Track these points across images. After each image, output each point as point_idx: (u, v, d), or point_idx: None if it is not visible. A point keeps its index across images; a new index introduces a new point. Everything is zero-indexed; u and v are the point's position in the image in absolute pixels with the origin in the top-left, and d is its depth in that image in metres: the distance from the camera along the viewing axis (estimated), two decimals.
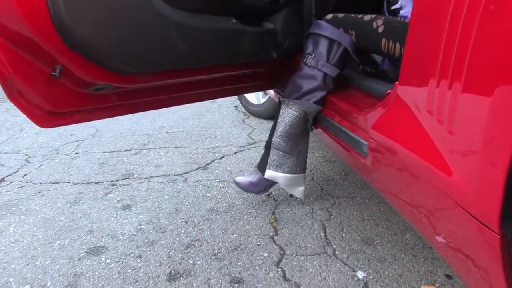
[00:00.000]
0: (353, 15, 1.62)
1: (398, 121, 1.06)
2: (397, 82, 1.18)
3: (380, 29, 1.52)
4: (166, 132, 2.99)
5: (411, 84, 1.03)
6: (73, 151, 2.69)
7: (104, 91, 1.54)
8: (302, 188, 1.83)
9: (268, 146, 1.77)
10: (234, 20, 1.70)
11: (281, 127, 1.70)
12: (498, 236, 0.72)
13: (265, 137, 2.84)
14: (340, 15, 1.65)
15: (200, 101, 1.99)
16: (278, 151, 1.74)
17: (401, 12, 1.62)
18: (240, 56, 1.77)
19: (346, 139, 1.44)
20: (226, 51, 1.70)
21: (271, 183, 1.83)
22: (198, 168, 2.35)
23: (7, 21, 1.21)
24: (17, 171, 2.39)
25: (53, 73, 1.36)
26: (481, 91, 0.74)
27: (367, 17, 1.56)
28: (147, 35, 1.43)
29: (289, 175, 1.77)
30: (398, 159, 1.07)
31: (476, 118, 0.75)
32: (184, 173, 2.28)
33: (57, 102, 1.45)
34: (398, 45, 1.49)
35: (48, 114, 1.46)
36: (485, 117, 0.72)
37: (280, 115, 1.70)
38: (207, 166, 2.38)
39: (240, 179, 1.89)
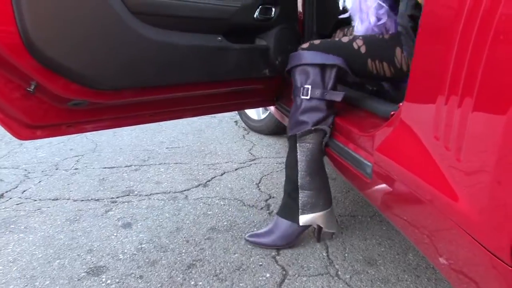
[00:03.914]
0: (329, 39, 1.60)
1: (403, 144, 1.05)
2: (401, 104, 1.18)
3: (363, 50, 1.50)
4: (166, 148, 2.98)
5: (416, 107, 1.02)
6: (72, 166, 2.67)
7: (82, 106, 1.54)
8: (335, 220, 1.74)
9: (292, 191, 1.64)
10: (219, 38, 1.70)
11: (304, 166, 1.59)
12: (510, 268, 0.71)
13: (265, 153, 2.84)
14: (316, 41, 1.59)
15: (193, 116, 2.00)
16: (310, 191, 1.62)
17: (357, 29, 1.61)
18: (226, 73, 1.77)
19: (350, 160, 1.43)
20: (208, 69, 1.70)
21: (304, 228, 1.69)
22: (199, 185, 2.34)
23: None
24: (16, 187, 2.38)
25: (28, 89, 1.36)
26: (493, 117, 0.73)
27: (345, 39, 1.55)
28: (119, 53, 1.44)
29: (326, 211, 1.66)
30: (403, 182, 1.06)
31: (487, 145, 0.74)
32: (185, 190, 2.27)
33: (35, 116, 1.46)
34: (385, 64, 1.48)
35: (26, 127, 1.46)
36: (497, 144, 0.71)
37: (297, 155, 1.59)
38: (207, 183, 2.37)
39: (258, 238, 1.72)
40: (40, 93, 1.41)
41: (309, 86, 1.53)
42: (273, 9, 1.85)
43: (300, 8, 2.14)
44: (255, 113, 3.23)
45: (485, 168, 0.74)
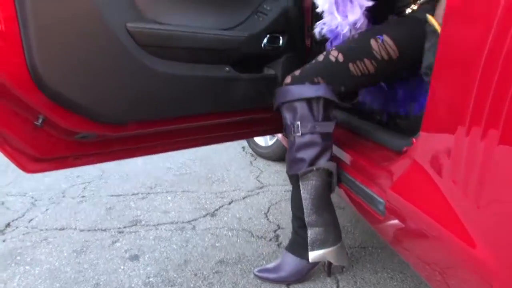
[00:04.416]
0: (308, 64, 1.57)
1: (418, 186, 1.03)
2: (414, 139, 1.16)
3: (340, 58, 1.48)
4: (173, 175, 2.96)
5: (431, 147, 1.00)
6: (79, 194, 2.66)
7: (90, 138, 1.54)
8: (346, 253, 1.71)
9: (299, 228, 1.62)
10: (227, 68, 1.69)
11: (309, 204, 1.55)
12: None
13: (273, 180, 2.81)
14: (297, 72, 1.56)
15: (202, 145, 1.98)
16: (318, 228, 1.58)
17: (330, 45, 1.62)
18: (234, 104, 1.76)
19: (361, 195, 1.41)
20: (217, 100, 1.69)
21: (314, 265, 1.66)
22: (207, 214, 2.32)
23: None
24: (23, 215, 2.36)
25: (36, 123, 1.36)
26: None
27: (321, 57, 1.53)
28: (127, 86, 1.44)
29: (336, 246, 1.62)
30: (418, 224, 1.04)
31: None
32: (192, 220, 2.25)
33: (42, 149, 1.45)
34: (366, 60, 1.46)
35: (33, 160, 1.46)
36: None
37: (301, 193, 1.55)
38: (215, 212, 2.35)
39: (267, 274, 1.69)
40: (47, 126, 1.41)
41: (299, 122, 1.50)
42: (281, 38, 1.84)
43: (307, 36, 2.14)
44: (263, 140, 3.21)
45: (508, 218, 0.72)
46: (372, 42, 1.45)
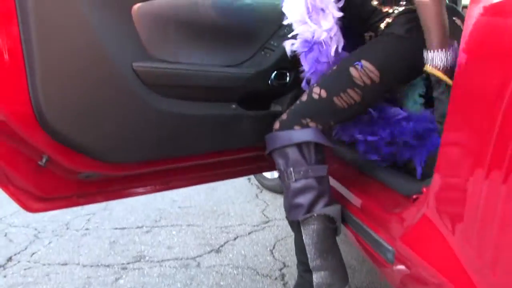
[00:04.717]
0: (293, 106, 1.52)
1: (429, 240, 1.00)
2: (425, 188, 1.13)
3: (323, 94, 1.43)
4: (178, 207, 2.94)
5: (443, 201, 0.98)
6: (83, 226, 2.63)
7: (94, 177, 1.52)
8: None
9: (304, 272, 1.55)
10: (234, 106, 1.68)
11: (312, 248, 1.48)
12: None
13: (279, 214, 2.78)
14: (284, 116, 1.51)
15: (208, 182, 1.96)
16: (324, 272, 1.51)
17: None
18: (241, 141, 1.74)
19: (369, 240, 1.37)
20: (224, 138, 1.67)
21: None
22: (211, 250, 2.28)
23: None
24: (26, 248, 2.34)
25: (39, 162, 1.35)
26: None
27: (304, 96, 1.49)
28: (132, 126, 1.43)
29: None
30: (427, 279, 1.01)
31: None
32: (197, 257, 2.21)
33: (45, 188, 1.44)
34: (349, 91, 1.40)
35: (36, 200, 1.44)
36: None
37: (303, 239, 1.48)
38: (220, 248, 2.31)
39: None
40: (51, 165, 1.40)
41: (291, 168, 1.46)
42: (288, 74, 1.84)
43: None
44: (268, 172, 3.19)
45: None
46: (352, 70, 1.40)
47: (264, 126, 1.76)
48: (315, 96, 1.44)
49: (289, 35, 1.53)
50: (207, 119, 1.59)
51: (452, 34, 1.86)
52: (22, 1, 1.18)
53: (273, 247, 2.32)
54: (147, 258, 2.21)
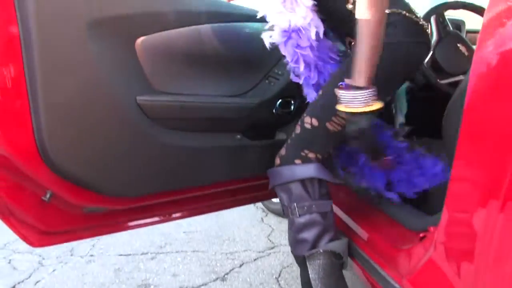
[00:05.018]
0: (289, 139, 1.50)
1: (437, 283, 0.98)
2: (432, 227, 1.11)
3: (315, 123, 1.40)
4: (184, 232, 2.91)
5: (450, 244, 0.96)
6: (88, 252, 2.61)
7: (98, 211, 1.52)
8: None
9: None
10: (238, 136, 1.67)
11: (318, 283, 1.45)
12: None
13: (285, 239, 2.75)
14: (282, 151, 1.50)
15: (212, 212, 1.95)
16: None
17: None
18: (246, 170, 1.73)
19: (376, 276, 1.35)
20: (229, 168, 1.66)
21: None
22: (217, 278, 2.26)
23: None
24: (29, 276, 2.32)
25: (43, 198, 1.34)
26: None
27: (297, 129, 1.45)
28: (137, 161, 1.43)
29: None
30: None
31: None
32: (202, 285, 2.19)
33: (49, 223, 1.43)
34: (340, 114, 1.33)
35: (40, 234, 1.43)
36: None
37: (309, 274, 1.46)
38: (225, 276, 2.29)
39: None
40: (55, 200, 1.39)
41: (295, 204, 1.43)
42: (293, 103, 1.83)
43: None
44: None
45: None
46: (337, 92, 1.32)
47: (269, 155, 1.74)
48: (308, 126, 1.42)
49: (266, 27, 1.49)
50: (211, 151, 1.58)
51: (457, 61, 1.87)
52: (27, 37, 1.18)
53: (279, 275, 2.29)
54: (152, 286, 2.18)
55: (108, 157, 1.36)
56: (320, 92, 1.45)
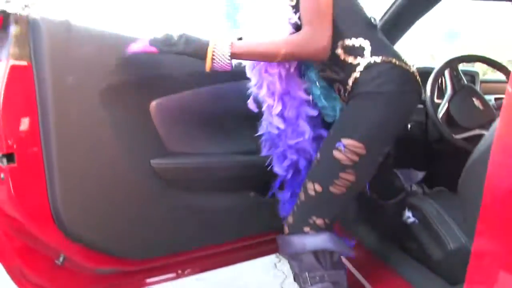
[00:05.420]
0: (295, 208, 1.46)
1: None
2: None
3: (318, 188, 1.36)
4: (196, 279, 2.86)
5: None
6: None
7: (111, 272, 1.52)
8: None
9: None
10: (252, 194, 1.66)
11: None
12: None
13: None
14: (290, 219, 1.47)
15: (226, 266, 1.92)
16: None
17: None
18: (260, 227, 1.71)
19: None
20: (242, 226, 1.65)
21: None
22: None
23: (12, 214, 1.23)
24: None
25: (56, 261, 1.35)
26: None
27: (302, 196, 1.42)
28: (149, 224, 1.43)
29: None
30: None
31: None
32: None
33: (62, 285, 1.43)
34: (342, 174, 1.33)
35: None
36: None
37: None
38: None
39: None
40: (68, 263, 1.38)
41: (306, 273, 1.40)
42: None
43: None
44: None
45: None
46: (336, 154, 1.32)
47: None
48: (312, 193, 1.38)
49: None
50: (225, 211, 1.57)
51: (472, 115, 1.85)
52: (43, 102, 1.20)
53: None
54: None
55: (121, 220, 1.36)
56: (318, 156, 1.41)
